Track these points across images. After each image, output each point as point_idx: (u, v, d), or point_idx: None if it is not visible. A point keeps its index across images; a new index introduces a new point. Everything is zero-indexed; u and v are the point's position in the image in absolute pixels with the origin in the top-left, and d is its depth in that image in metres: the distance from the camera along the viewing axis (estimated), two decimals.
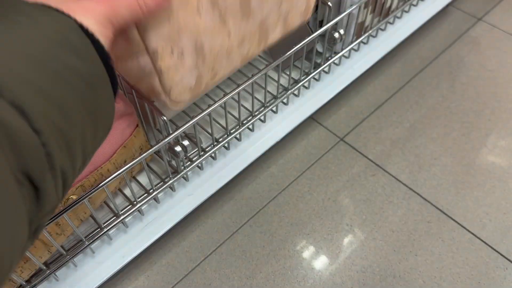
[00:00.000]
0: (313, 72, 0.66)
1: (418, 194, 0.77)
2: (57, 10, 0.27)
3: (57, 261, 0.51)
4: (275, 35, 0.51)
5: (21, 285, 0.48)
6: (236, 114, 0.58)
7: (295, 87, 0.65)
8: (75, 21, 0.27)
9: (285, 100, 0.65)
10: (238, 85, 0.53)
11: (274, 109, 0.64)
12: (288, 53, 0.56)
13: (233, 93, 0.52)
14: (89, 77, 0.26)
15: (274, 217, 0.76)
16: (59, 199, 0.25)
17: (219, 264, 0.71)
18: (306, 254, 0.72)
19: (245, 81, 0.53)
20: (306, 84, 0.67)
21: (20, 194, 0.21)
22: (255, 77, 0.53)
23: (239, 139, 0.63)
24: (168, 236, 0.72)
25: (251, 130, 0.64)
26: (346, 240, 0.73)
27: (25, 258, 0.47)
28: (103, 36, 0.29)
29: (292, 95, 0.66)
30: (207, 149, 0.59)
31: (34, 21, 0.25)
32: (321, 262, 0.71)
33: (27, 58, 0.23)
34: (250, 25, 0.46)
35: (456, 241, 0.71)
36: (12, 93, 0.21)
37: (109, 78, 0.28)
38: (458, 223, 0.73)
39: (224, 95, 0.52)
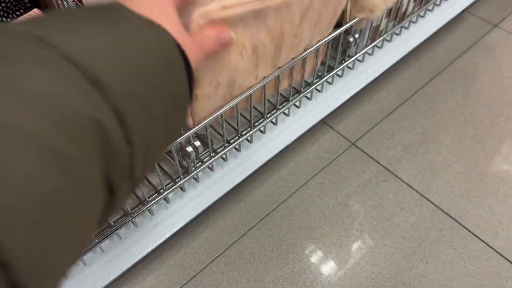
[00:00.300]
0: (326, 75, 0.66)
1: (430, 201, 0.76)
2: (159, 26, 0.28)
3: None
4: (291, 81, 0.60)
5: None
6: (248, 116, 0.58)
7: (308, 90, 0.64)
8: (175, 40, 0.28)
9: (297, 103, 0.64)
10: (251, 87, 0.53)
11: (286, 111, 0.64)
12: (301, 56, 0.55)
13: (245, 94, 0.52)
14: (178, 95, 0.28)
15: (284, 221, 0.75)
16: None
17: (227, 266, 0.71)
18: (315, 258, 0.71)
19: (257, 84, 0.53)
20: (319, 88, 0.67)
21: (100, 196, 0.21)
22: (267, 80, 0.53)
23: (250, 141, 0.63)
24: (177, 236, 0.72)
25: (263, 132, 0.64)
26: (355, 246, 0.72)
27: None
28: (191, 58, 0.31)
29: (304, 98, 0.66)
30: (218, 150, 0.59)
31: (140, 32, 0.26)
32: (330, 267, 0.70)
33: (131, 67, 0.24)
34: (273, 72, 0.55)
35: (468, 249, 0.70)
36: (115, 99, 0.22)
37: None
38: (470, 232, 0.72)
39: (236, 97, 0.52)
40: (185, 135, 0.49)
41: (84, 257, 0.52)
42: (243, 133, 0.59)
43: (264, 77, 0.54)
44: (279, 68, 0.55)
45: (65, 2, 0.63)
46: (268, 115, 0.62)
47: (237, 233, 0.75)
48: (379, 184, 0.79)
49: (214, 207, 0.75)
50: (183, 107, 0.29)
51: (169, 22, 0.30)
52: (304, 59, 0.57)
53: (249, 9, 0.47)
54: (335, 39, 0.59)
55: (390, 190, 0.78)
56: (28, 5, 0.68)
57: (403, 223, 0.74)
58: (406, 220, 0.74)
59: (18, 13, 0.66)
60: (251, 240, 0.74)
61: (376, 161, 0.81)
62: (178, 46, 0.29)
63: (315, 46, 0.56)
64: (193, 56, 0.31)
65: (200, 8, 0.44)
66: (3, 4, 0.64)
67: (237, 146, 0.60)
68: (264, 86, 0.54)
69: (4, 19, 0.64)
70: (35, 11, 0.56)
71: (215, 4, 0.45)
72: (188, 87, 0.29)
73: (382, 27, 0.70)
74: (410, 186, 0.78)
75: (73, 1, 0.58)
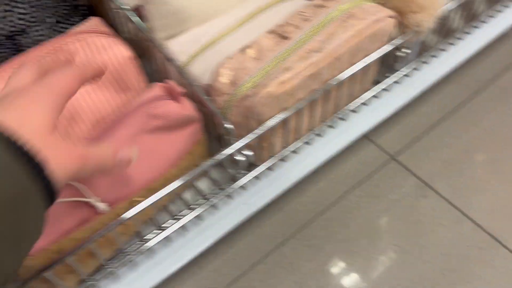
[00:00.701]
0: (373, 88, 0.67)
1: (470, 218, 0.75)
2: None
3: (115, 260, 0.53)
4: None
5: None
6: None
7: (356, 105, 0.65)
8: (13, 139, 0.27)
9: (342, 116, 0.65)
10: (299, 100, 0.54)
11: (331, 124, 0.65)
12: (352, 71, 0.56)
13: (293, 111, 0.53)
14: (8, 199, 0.25)
15: (322, 232, 0.76)
16: None
17: (265, 274, 0.72)
18: (353, 271, 0.71)
19: (307, 99, 0.54)
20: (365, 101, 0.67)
21: None
22: (317, 95, 0.54)
23: (296, 152, 0.64)
24: (216, 243, 0.73)
25: (309, 144, 0.65)
26: (393, 261, 0.72)
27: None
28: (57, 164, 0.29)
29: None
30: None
31: None
32: (367, 281, 0.70)
33: None
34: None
35: (509, 269, 0.70)
36: None
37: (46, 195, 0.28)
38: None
39: (286, 109, 0.53)
40: (240, 143, 0.51)
41: (136, 259, 0.54)
42: (286, 147, 0.61)
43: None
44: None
45: (119, 11, 0.65)
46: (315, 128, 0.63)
47: (275, 242, 0.75)
48: (418, 199, 0.78)
49: (253, 215, 0.76)
50: (28, 209, 0.26)
51: (37, 116, 0.29)
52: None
53: (304, 76, 0.50)
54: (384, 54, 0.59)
55: (430, 206, 0.77)
56: (85, 12, 0.70)
57: (442, 239, 0.74)
58: (445, 237, 0.74)
59: (73, 19, 0.69)
60: (289, 250, 0.74)
61: (416, 176, 0.81)
62: (20, 147, 0.27)
63: (366, 62, 0.57)
64: (59, 161, 0.29)
65: (262, 90, 0.50)
66: (61, 11, 0.67)
67: (283, 158, 0.61)
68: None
69: (61, 24, 0.67)
70: (96, 20, 0.58)
71: (274, 83, 0.49)
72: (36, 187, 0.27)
73: (430, 42, 0.71)
74: (450, 202, 0.78)
75: (133, 10, 0.60)
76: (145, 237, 0.55)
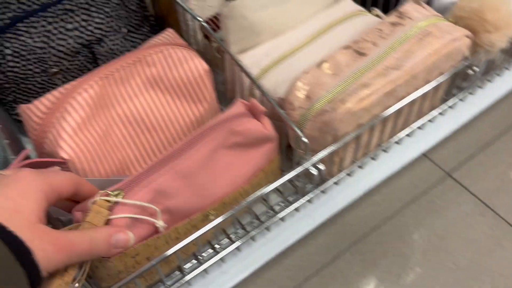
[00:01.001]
0: (440, 105, 0.66)
1: None
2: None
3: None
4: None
5: None
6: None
7: (423, 122, 0.65)
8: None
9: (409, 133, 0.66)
10: (374, 116, 0.54)
11: (398, 141, 0.65)
12: (427, 89, 0.56)
13: (369, 127, 0.53)
14: None
15: (377, 247, 0.75)
16: None
17: (320, 287, 0.72)
18: None
19: (381, 115, 0.54)
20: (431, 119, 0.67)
21: None
22: (391, 111, 0.54)
23: (361, 167, 0.64)
24: (273, 258, 0.74)
25: (374, 159, 0.65)
26: (450, 279, 0.71)
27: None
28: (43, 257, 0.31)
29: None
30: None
31: None
32: None
33: None
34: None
35: None
36: None
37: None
38: None
39: (361, 125, 0.53)
40: (316, 157, 0.51)
41: (207, 268, 0.55)
42: (355, 162, 0.61)
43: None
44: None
45: (191, 23, 0.66)
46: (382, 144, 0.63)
47: (329, 255, 0.75)
48: (476, 218, 0.77)
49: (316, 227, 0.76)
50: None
51: (25, 209, 0.31)
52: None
53: (382, 93, 0.51)
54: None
55: (488, 225, 0.76)
56: (153, 23, 0.72)
57: (501, 260, 0.73)
58: (505, 257, 0.73)
59: (142, 29, 0.71)
60: (344, 263, 0.74)
61: (473, 194, 0.80)
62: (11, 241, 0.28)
63: (439, 81, 0.57)
64: (42, 252, 0.30)
65: (340, 105, 0.51)
66: (133, 21, 0.68)
67: (349, 172, 0.61)
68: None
69: (132, 34, 0.69)
70: (172, 32, 0.60)
71: (353, 99, 0.51)
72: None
73: (496, 61, 0.70)
74: (508, 223, 0.76)
75: (208, 23, 0.62)
76: (215, 246, 0.56)
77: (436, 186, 0.81)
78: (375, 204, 0.80)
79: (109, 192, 0.41)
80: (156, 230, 0.46)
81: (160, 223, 0.44)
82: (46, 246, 0.31)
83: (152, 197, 0.44)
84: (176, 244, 0.46)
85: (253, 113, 0.51)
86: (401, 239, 0.76)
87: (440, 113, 0.67)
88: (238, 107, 0.51)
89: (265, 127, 0.51)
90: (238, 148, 0.50)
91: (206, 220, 0.49)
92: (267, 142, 0.52)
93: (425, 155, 0.85)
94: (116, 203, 0.41)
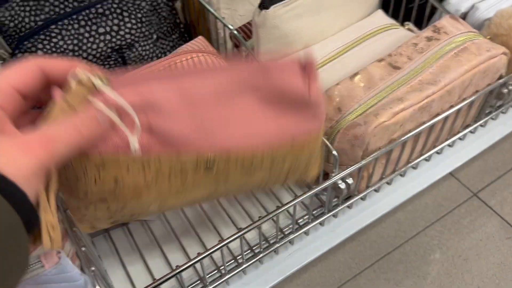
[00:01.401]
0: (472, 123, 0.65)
1: None
2: None
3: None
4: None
5: None
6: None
7: (453, 139, 0.64)
8: None
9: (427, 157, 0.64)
10: (406, 132, 0.53)
11: (414, 166, 0.64)
12: (461, 105, 0.55)
13: (401, 142, 0.52)
14: None
15: (400, 266, 0.74)
16: None
17: None
18: None
19: (414, 131, 0.53)
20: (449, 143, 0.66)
21: None
22: (425, 127, 0.53)
23: (389, 183, 0.63)
24: (295, 271, 0.72)
25: (402, 176, 0.63)
26: None
27: None
28: (29, 187, 0.25)
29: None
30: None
31: None
32: None
33: None
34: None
35: None
36: None
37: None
38: None
39: (393, 140, 0.52)
40: (344, 172, 0.50)
41: (228, 279, 0.54)
42: (384, 177, 0.60)
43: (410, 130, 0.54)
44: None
45: (221, 31, 0.66)
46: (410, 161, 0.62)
47: (350, 272, 0.74)
48: (502, 241, 0.75)
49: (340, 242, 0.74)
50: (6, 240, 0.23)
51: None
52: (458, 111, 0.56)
53: (416, 108, 0.50)
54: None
55: None
56: (183, 30, 0.72)
57: None
58: None
59: (172, 36, 0.71)
60: (365, 281, 0.72)
61: (499, 216, 0.78)
62: None
63: (474, 98, 0.55)
64: (7, 160, 0.25)
65: (374, 119, 0.50)
66: (163, 28, 0.68)
67: (376, 188, 0.60)
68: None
69: (162, 40, 0.69)
70: (203, 40, 0.59)
71: (387, 113, 0.50)
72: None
73: None
74: None
75: (238, 31, 0.61)
76: (237, 257, 0.55)
77: (462, 206, 0.79)
78: (399, 222, 0.78)
79: (97, 74, 0.32)
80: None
81: (133, 140, 0.34)
82: (10, 153, 0.25)
83: (139, 104, 0.33)
84: (152, 177, 0.36)
85: (304, 72, 0.40)
86: (424, 259, 0.74)
87: (471, 131, 0.66)
88: (290, 62, 0.39)
89: (310, 91, 0.39)
90: (268, 100, 0.39)
91: (199, 170, 0.37)
92: (307, 109, 0.40)
93: (451, 174, 0.83)
94: (98, 90, 0.32)
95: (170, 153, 0.35)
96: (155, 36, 0.66)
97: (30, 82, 0.30)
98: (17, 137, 0.26)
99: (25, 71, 0.30)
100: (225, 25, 0.61)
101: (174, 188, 0.38)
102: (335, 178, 0.50)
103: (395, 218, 0.79)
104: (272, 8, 0.54)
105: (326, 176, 0.52)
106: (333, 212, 0.58)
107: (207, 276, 0.54)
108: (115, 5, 0.62)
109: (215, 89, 0.36)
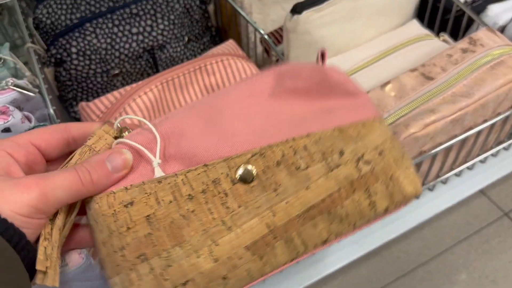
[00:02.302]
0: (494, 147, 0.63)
1: None
2: None
3: None
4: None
5: None
6: None
7: (486, 155, 0.62)
8: None
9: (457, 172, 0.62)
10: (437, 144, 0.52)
11: (443, 180, 0.62)
12: (492, 121, 0.53)
13: (430, 155, 0.51)
14: None
15: (423, 284, 0.71)
16: None
17: None
18: None
19: (445, 145, 0.52)
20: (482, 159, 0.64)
21: None
22: (456, 141, 0.52)
23: (417, 197, 0.61)
24: (316, 281, 0.71)
25: (431, 190, 0.62)
26: None
27: None
28: (27, 226, 0.27)
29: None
30: None
31: None
32: None
33: None
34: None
35: None
36: None
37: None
38: None
39: (423, 152, 0.51)
40: None
41: None
42: None
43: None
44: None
45: (251, 35, 0.66)
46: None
47: (371, 287, 0.72)
48: None
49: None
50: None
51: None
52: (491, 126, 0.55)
53: (448, 121, 0.48)
54: None
55: None
56: (214, 34, 0.73)
57: None
58: None
59: (203, 39, 0.71)
60: None
61: None
62: None
63: (506, 114, 0.54)
64: (27, 218, 0.26)
65: (404, 130, 0.48)
66: (195, 31, 0.69)
67: None
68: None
69: (193, 43, 0.69)
70: (233, 44, 0.60)
71: (417, 124, 0.48)
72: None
73: None
74: None
75: (269, 36, 0.61)
76: None
77: (491, 226, 0.77)
78: (425, 239, 0.76)
79: (118, 125, 0.33)
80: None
81: (155, 160, 0.32)
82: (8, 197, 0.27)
83: (161, 135, 0.33)
84: (188, 206, 0.32)
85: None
86: (449, 279, 0.72)
87: (505, 148, 0.63)
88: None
89: (339, 74, 0.37)
90: (293, 93, 0.36)
91: (235, 183, 0.33)
92: (344, 94, 0.37)
93: (482, 192, 0.80)
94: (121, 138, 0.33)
95: (197, 168, 0.33)
96: (186, 38, 0.67)
97: (53, 140, 0.31)
98: (18, 178, 0.28)
99: (48, 131, 0.31)
100: (256, 29, 0.61)
101: (217, 218, 0.32)
102: None
103: (421, 234, 0.76)
104: (304, 13, 0.54)
105: None
106: None
107: None
108: (149, 6, 0.62)
109: (227, 101, 0.36)
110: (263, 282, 0.56)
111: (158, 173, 0.32)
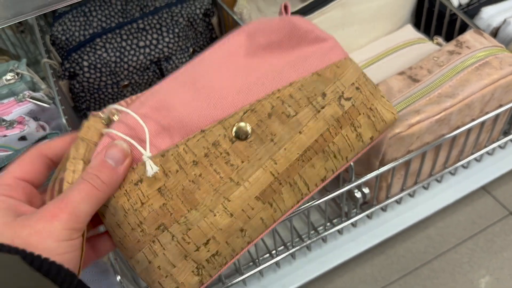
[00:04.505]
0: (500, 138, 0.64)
1: None
2: (1, 247, 0.26)
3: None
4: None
5: None
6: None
7: (480, 154, 0.63)
8: (24, 254, 0.26)
9: (452, 171, 0.64)
10: (425, 144, 0.53)
11: (438, 179, 0.63)
12: (482, 120, 0.55)
13: (417, 154, 0.53)
14: None
15: (427, 282, 0.73)
16: None
17: None
18: None
19: (432, 143, 0.53)
20: (478, 158, 0.65)
21: None
22: (443, 140, 0.54)
23: (412, 196, 0.63)
24: (314, 279, 0.73)
25: (426, 188, 0.63)
26: None
27: None
28: (71, 249, 0.28)
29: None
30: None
31: None
32: None
33: None
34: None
35: None
36: None
37: None
38: None
39: (411, 151, 0.53)
40: (359, 181, 0.51)
41: (246, 279, 0.56)
42: (405, 189, 0.60)
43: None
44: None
45: None
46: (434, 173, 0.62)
47: (376, 285, 0.73)
48: None
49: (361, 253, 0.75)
50: None
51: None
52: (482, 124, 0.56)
53: (433, 120, 0.50)
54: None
55: None
56: None
57: None
58: None
59: None
60: None
61: None
62: (31, 256, 0.26)
63: (496, 112, 0.55)
64: (67, 241, 0.28)
65: (390, 130, 0.49)
66: (199, 42, 0.73)
67: (398, 200, 0.61)
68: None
69: (196, 53, 0.73)
70: None
71: (402, 125, 0.50)
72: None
73: None
74: None
75: None
76: (255, 260, 0.57)
77: (497, 225, 0.77)
78: (429, 238, 0.77)
79: (109, 109, 0.35)
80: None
81: (143, 151, 0.34)
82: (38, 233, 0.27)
83: (150, 112, 0.36)
84: (194, 171, 0.34)
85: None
86: (454, 277, 0.72)
87: (500, 146, 0.65)
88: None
89: (305, 22, 0.40)
90: (267, 48, 0.39)
91: (234, 140, 0.36)
92: (324, 40, 0.40)
93: (486, 191, 0.81)
94: (110, 122, 0.35)
95: (195, 134, 0.35)
96: (191, 50, 0.71)
97: (35, 168, 0.32)
98: (38, 212, 0.29)
99: (27, 161, 0.32)
100: None
101: (224, 176, 0.35)
102: (350, 185, 0.51)
103: (426, 233, 0.78)
104: None
105: None
106: (351, 220, 0.59)
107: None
108: (154, 21, 0.67)
109: (204, 65, 0.38)
110: (260, 276, 0.59)
111: (150, 167, 0.34)
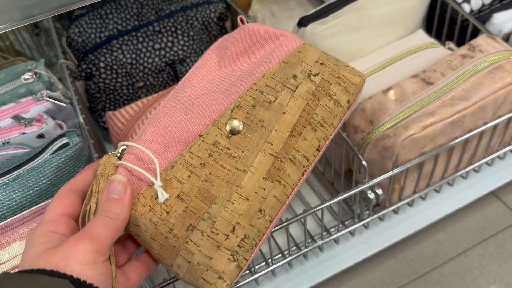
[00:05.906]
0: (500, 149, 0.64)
1: None
2: (51, 274, 0.30)
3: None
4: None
5: None
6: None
7: (492, 157, 0.64)
8: (72, 279, 0.30)
9: (464, 174, 0.64)
10: (438, 146, 0.54)
11: (450, 182, 0.64)
12: (496, 122, 0.55)
13: (431, 156, 0.53)
14: None
15: (437, 287, 0.73)
16: None
17: None
18: None
19: (445, 145, 0.54)
20: (489, 162, 0.65)
21: None
22: (456, 142, 0.54)
23: (424, 198, 0.63)
24: (326, 280, 0.74)
25: (438, 191, 0.64)
26: None
27: None
28: (99, 272, 0.31)
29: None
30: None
31: None
32: None
33: None
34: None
35: None
36: None
37: None
38: None
39: (424, 153, 0.53)
40: (372, 181, 0.52)
41: (258, 278, 0.57)
42: (417, 192, 0.60)
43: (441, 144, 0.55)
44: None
45: None
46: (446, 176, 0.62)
47: None
48: None
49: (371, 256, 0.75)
50: None
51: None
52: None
53: (447, 123, 0.51)
54: None
55: None
56: None
57: None
58: None
59: None
60: None
61: None
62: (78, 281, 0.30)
63: (507, 116, 0.56)
64: (94, 264, 0.31)
65: (403, 132, 0.50)
66: None
67: (410, 202, 0.61)
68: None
69: None
70: None
71: (416, 127, 0.51)
72: None
73: None
74: None
75: None
76: (268, 260, 0.57)
77: (507, 230, 0.77)
78: (439, 243, 0.77)
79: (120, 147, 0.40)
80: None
81: (154, 180, 0.38)
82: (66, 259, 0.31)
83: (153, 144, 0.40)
84: (204, 172, 0.38)
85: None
86: (463, 282, 0.72)
87: (511, 151, 0.65)
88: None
89: (260, 26, 0.45)
90: (236, 57, 0.44)
91: (229, 135, 0.40)
92: (273, 39, 0.45)
93: (496, 197, 0.81)
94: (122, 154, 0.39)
95: (194, 141, 0.40)
96: (204, 52, 0.72)
97: (71, 202, 0.37)
98: (65, 241, 0.32)
99: (63, 197, 0.37)
100: None
101: (231, 168, 0.39)
102: (363, 186, 0.52)
103: (436, 238, 0.78)
104: (310, 25, 0.58)
105: None
106: (364, 222, 0.59)
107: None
108: (170, 24, 0.68)
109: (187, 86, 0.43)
110: (272, 276, 0.59)
111: (161, 194, 0.38)
